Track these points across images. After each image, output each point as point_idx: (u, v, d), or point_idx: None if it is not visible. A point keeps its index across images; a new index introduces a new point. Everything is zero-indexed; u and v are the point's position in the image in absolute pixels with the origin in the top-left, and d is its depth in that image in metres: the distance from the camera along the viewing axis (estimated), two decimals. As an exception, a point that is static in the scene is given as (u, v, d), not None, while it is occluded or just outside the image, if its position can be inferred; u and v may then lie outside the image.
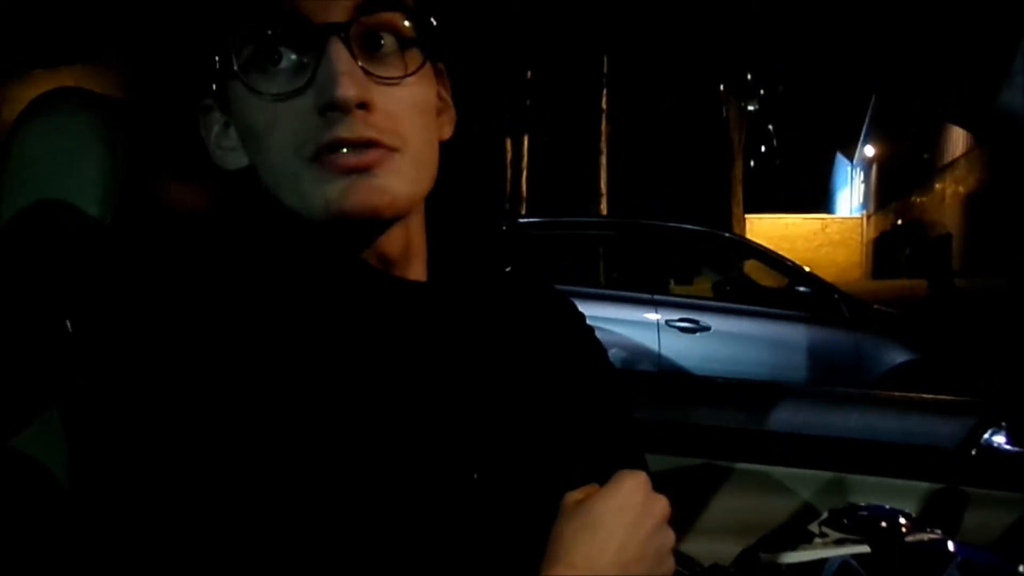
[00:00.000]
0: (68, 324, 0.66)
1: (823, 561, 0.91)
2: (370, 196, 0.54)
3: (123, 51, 0.85)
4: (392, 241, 0.60)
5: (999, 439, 1.20)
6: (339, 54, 0.53)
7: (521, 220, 5.84)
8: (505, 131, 11.99)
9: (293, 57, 0.55)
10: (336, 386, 0.57)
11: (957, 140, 15.94)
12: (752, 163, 22.10)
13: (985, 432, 1.20)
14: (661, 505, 0.58)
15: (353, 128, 0.53)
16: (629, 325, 4.36)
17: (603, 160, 13.25)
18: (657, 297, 4.50)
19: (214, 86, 0.59)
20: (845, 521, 0.98)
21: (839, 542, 0.94)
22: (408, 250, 0.61)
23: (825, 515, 1.02)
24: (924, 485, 1.13)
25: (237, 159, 0.61)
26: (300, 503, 0.53)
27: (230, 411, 0.54)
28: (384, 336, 0.60)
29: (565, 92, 12.08)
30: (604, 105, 13.18)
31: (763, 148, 25.54)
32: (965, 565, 0.86)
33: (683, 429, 1.29)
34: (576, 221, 5.98)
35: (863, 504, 1.02)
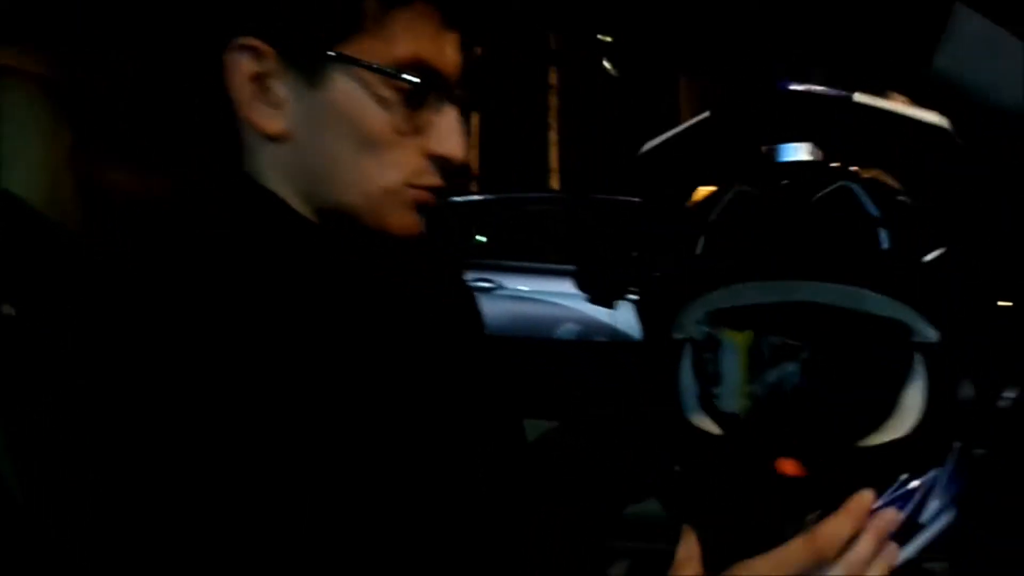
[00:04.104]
0: (9, 308, 0.64)
1: None
2: (420, 227, 0.65)
3: (71, 29, 0.83)
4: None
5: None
6: (455, 113, 0.63)
7: (472, 198, 5.84)
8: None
9: (427, 96, 0.61)
10: (349, 378, 0.60)
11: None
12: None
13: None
14: None
15: (444, 179, 0.64)
16: (581, 299, 4.40)
17: (553, 135, 13.24)
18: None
19: (302, 46, 0.59)
20: None
21: None
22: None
23: None
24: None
25: (275, 121, 0.61)
26: (315, 497, 0.55)
27: (232, 406, 0.54)
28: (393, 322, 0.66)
29: (515, 68, 12.03)
30: (553, 81, 13.15)
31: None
32: None
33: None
34: (527, 197, 6.00)
35: None
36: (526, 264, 4.99)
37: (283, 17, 0.58)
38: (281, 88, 0.60)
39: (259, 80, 0.60)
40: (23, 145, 0.70)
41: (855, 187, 0.66)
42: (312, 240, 0.63)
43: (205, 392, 0.54)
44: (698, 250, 0.70)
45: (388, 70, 0.59)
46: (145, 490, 0.52)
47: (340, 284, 0.64)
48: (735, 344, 0.70)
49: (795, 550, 0.60)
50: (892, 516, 0.64)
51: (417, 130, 0.61)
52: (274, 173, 0.63)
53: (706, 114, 0.64)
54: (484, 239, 5.39)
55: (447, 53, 0.61)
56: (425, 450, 0.62)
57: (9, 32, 0.74)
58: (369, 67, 0.58)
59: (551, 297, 4.72)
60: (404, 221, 0.63)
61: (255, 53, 0.59)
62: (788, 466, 0.64)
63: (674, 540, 0.64)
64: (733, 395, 0.70)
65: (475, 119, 12.33)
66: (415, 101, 0.60)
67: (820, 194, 0.66)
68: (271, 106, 0.60)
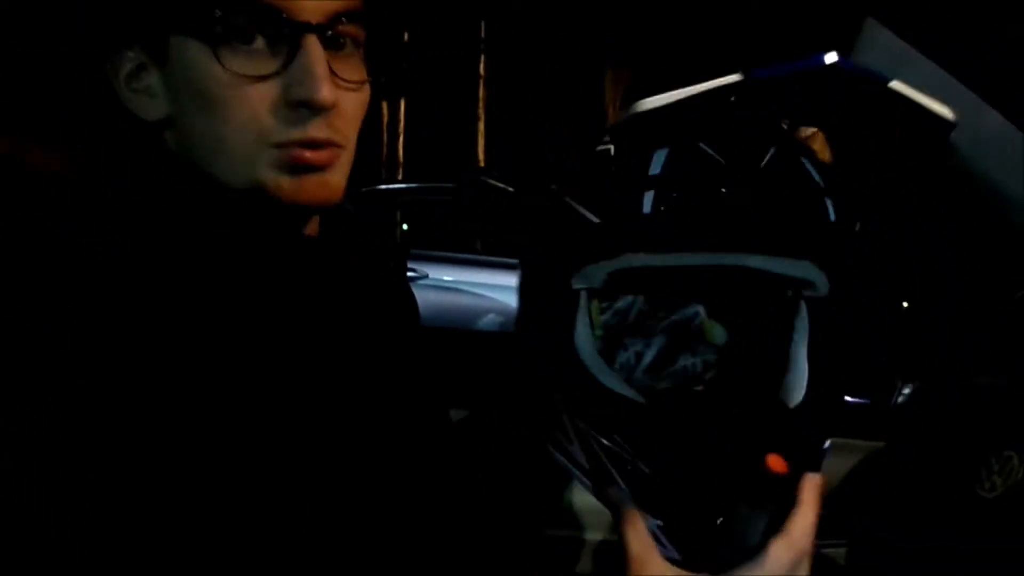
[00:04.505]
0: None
1: None
2: (321, 191, 0.59)
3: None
4: (312, 220, 0.65)
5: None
6: (317, 54, 0.57)
7: (395, 186, 5.78)
8: (380, 95, 11.71)
9: (262, 42, 0.57)
10: (292, 367, 0.59)
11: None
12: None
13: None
14: None
15: (320, 128, 0.58)
16: (506, 291, 4.42)
17: (481, 126, 13.21)
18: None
19: (144, 31, 0.59)
20: None
21: None
22: (314, 224, 0.67)
23: None
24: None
25: (155, 108, 0.61)
26: (301, 491, 0.55)
27: (204, 399, 0.53)
28: (322, 305, 0.65)
29: (443, 56, 11.95)
30: (482, 70, 13.12)
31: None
32: None
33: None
34: (451, 187, 5.98)
35: None
36: (450, 254, 4.98)
37: (126, 8, 0.59)
38: (150, 77, 0.60)
39: (135, 75, 0.61)
40: None
41: (802, 158, 0.65)
42: (224, 220, 0.61)
43: (86, 379, 0.51)
44: (644, 208, 0.64)
45: (195, 21, 0.56)
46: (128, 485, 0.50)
47: (256, 265, 0.62)
48: (640, 306, 0.70)
49: (778, 554, 0.59)
50: (819, 480, 0.63)
51: (265, 79, 0.57)
52: (174, 153, 0.62)
53: (736, 77, 0.61)
54: (407, 227, 5.35)
55: None
56: (345, 439, 0.62)
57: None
58: (184, 26, 0.57)
59: (475, 288, 4.73)
60: (279, 184, 0.58)
61: (125, 50, 0.60)
62: (775, 463, 0.62)
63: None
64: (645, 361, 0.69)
65: (402, 106, 12.20)
66: (243, 45, 0.57)
67: (767, 160, 0.64)
68: (149, 96, 0.61)
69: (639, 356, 0.70)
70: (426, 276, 4.80)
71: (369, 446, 0.63)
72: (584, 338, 0.68)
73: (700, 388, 0.69)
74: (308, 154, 0.58)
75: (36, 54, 0.74)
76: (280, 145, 0.58)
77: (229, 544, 0.53)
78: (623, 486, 0.64)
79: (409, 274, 4.74)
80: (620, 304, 0.71)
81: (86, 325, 0.52)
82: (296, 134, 0.58)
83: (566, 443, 0.69)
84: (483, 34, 12.94)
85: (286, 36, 0.57)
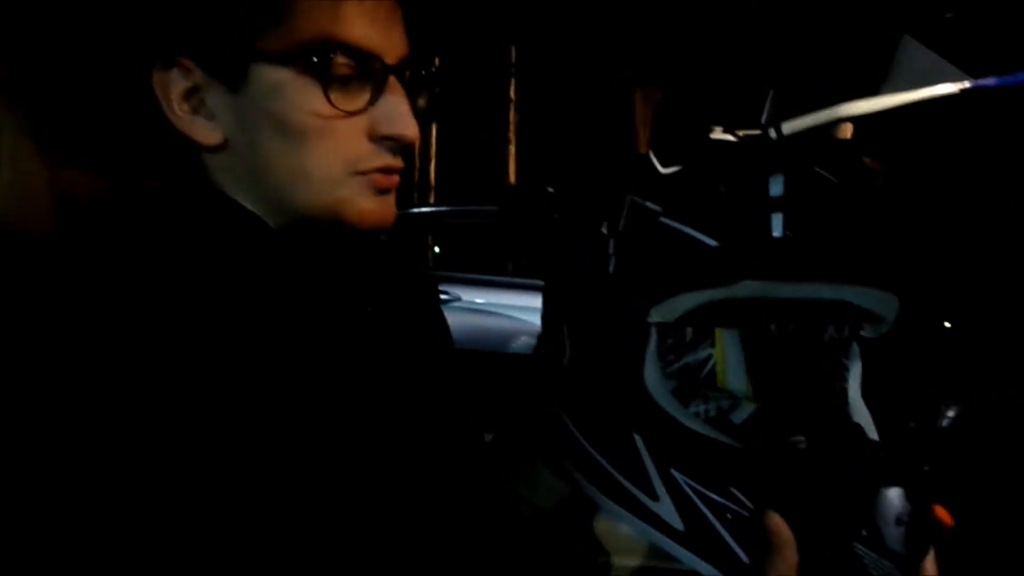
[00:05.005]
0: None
1: None
2: (390, 212, 0.65)
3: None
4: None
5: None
6: (402, 92, 0.63)
7: (427, 209, 5.82)
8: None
9: (355, 79, 0.61)
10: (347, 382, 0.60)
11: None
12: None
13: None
14: None
15: (399, 157, 0.64)
16: (538, 312, 4.41)
17: (512, 149, 13.28)
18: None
19: (216, 55, 0.59)
20: None
21: None
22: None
23: None
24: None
25: (212, 131, 0.61)
26: (324, 504, 0.55)
27: (197, 415, 0.53)
28: (377, 323, 0.66)
29: (474, 80, 12.05)
30: (512, 94, 13.20)
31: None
32: None
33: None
34: (483, 210, 6.00)
35: None
36: (482, 276, 4.99)
37: (194, 28, 0.58)
38: (212, 98, 0.60)
39: (191, 95, 0.60)
40: None
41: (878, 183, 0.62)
42: (272, 246, 0.62)
43: (166, 402, 0.53)
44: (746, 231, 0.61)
45: (292, 53, 0.58)
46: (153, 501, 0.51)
47: (301, 291, 0.63)
48: (732, 339, 0.64)
49: None
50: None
51: (354, 114, 0.61)
52: (227, 178, 0.62)
53: (957, 86, 0.57)
54: (439, 250, 5.38)
55: (371, 33, 0.60)
56: (385, 462, 0.61)
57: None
58: (274, 56, 0.58)
59: (507, 310, 4.73)
60: (361, 208, 0.62)
61: (182, 69, 0.59)
62: (943, 514, 0.61)
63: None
64: (735, 397, 0.64)
65: (433, 130, 12.31)
66: (340, 82, 0.60)
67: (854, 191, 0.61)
68: (207, 118, 0.60)
69: (723, 409, 0.65)
70: (458, 299, 4.81)
71: (405, 472, 0.63)
72: (656, 379, 0.64)
73: (799, 441, 0.63)
74: (386, 179, 0.64)
75: (81, 71, 0.74)
76: (362, 173, 0.62)
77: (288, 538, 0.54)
78: (739, 551, 0.59)
79: (440, 296, 4.74)
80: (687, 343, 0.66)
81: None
82: (380, 162, 0.63)
83: (645, 499, 0.63)
84: (513, 58, 13.04)
85: (376, 74, 0.61)
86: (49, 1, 0.77)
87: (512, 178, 13.21)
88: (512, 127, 13.42)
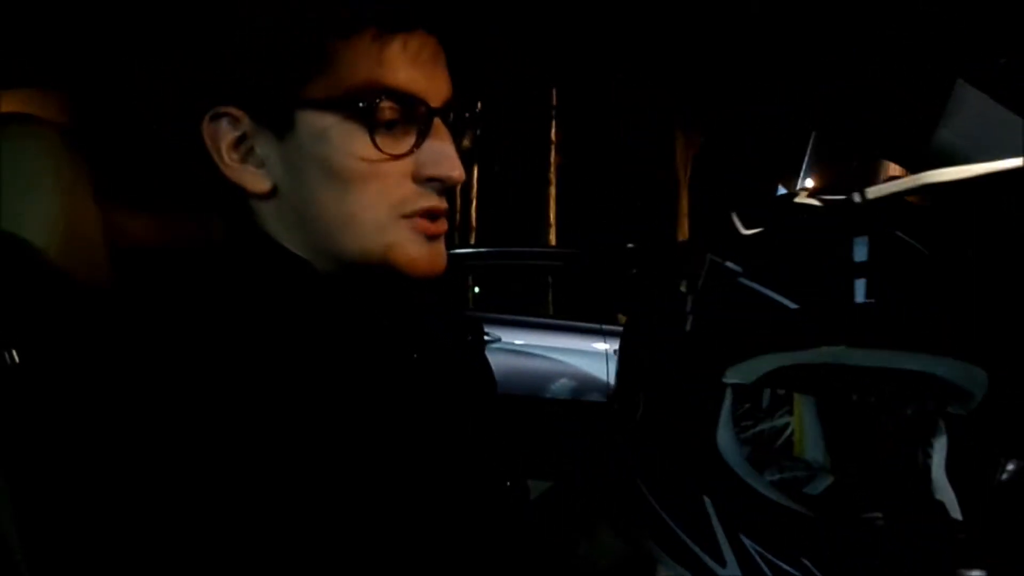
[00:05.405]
0: (14, 354, 0.64)
1: None
2: (440, 260, 0.64)
3: (76, 72, 0.83)
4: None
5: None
6: (447, 135, 0.62)
7: (469, 250, 5.85)
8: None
9: (397, 121, 0.60)
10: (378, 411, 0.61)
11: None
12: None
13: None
14: None
15: (443, 199, 0.63)
16: (578, 355, 4.38)
17: (552, 191, 13.37)
18: (605, 327, 4.54)
19: (264, 103, 0.60)
20: None
21: None
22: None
23: None
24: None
25: (261, 179, 0.62)
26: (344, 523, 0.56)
27: (245, 455, 0.54)
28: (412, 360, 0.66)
29: (515, 122, 12.19)
30: (553, 136, 13.33)
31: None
32: None
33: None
34: (523, 251, 6.03)
35: None
36: (522, 318, 4.99)
37: (242, 77, 0.59)
38: (260, 147, 0.61)
39: (240, 144, 0.61)
40: (41, 193, 0.70)
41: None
42: (319, 290, 0.63)
43: (221, 444, 0.54)
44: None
45: (338, 99, 0.58)
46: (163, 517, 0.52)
47: (346, 335, 0.63)
48: (810, 404, 0.63)
49: None
50: None
51: (400, 158, 0.60)
52: (278, 225, 0.63)
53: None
54: (479, 290, 5.39)
55: (415, 76, 0.60)
56: (428, 508, 0.61)
57: (14, 75, 0.74)
58: (320, 103, 0.58)
59: (547, 352, 4.71)
60: (411, 254, 0.62)
61: (231, 119, 0.60)
62: None
63: None
64: (813, 464, 0.62)
65: (475, 172, 12.45)
66: (386, 127, 0.60)
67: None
68: (256, 165, 0.61)
69: (799, 480, 0.64)
70: (498, 340, 4.81)
71: (444, 514, 0.62)
72: (729, 442, 0.62)
73: (877, 517, 0.62)
74: (433, 225, 0.63)
75: (135, 122, 0.75)
76: (408, 216, 0.62)
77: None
78: None
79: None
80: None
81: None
82: (425, 204, 0.62)
83: (712, 563, 0.61)
84: (555, 101, 13.18)
85: (421, 118, 0.61)
86: (106, 54, 0.80)
87: (552, 218, 13.28)
88: (553, 168, 13.53)
